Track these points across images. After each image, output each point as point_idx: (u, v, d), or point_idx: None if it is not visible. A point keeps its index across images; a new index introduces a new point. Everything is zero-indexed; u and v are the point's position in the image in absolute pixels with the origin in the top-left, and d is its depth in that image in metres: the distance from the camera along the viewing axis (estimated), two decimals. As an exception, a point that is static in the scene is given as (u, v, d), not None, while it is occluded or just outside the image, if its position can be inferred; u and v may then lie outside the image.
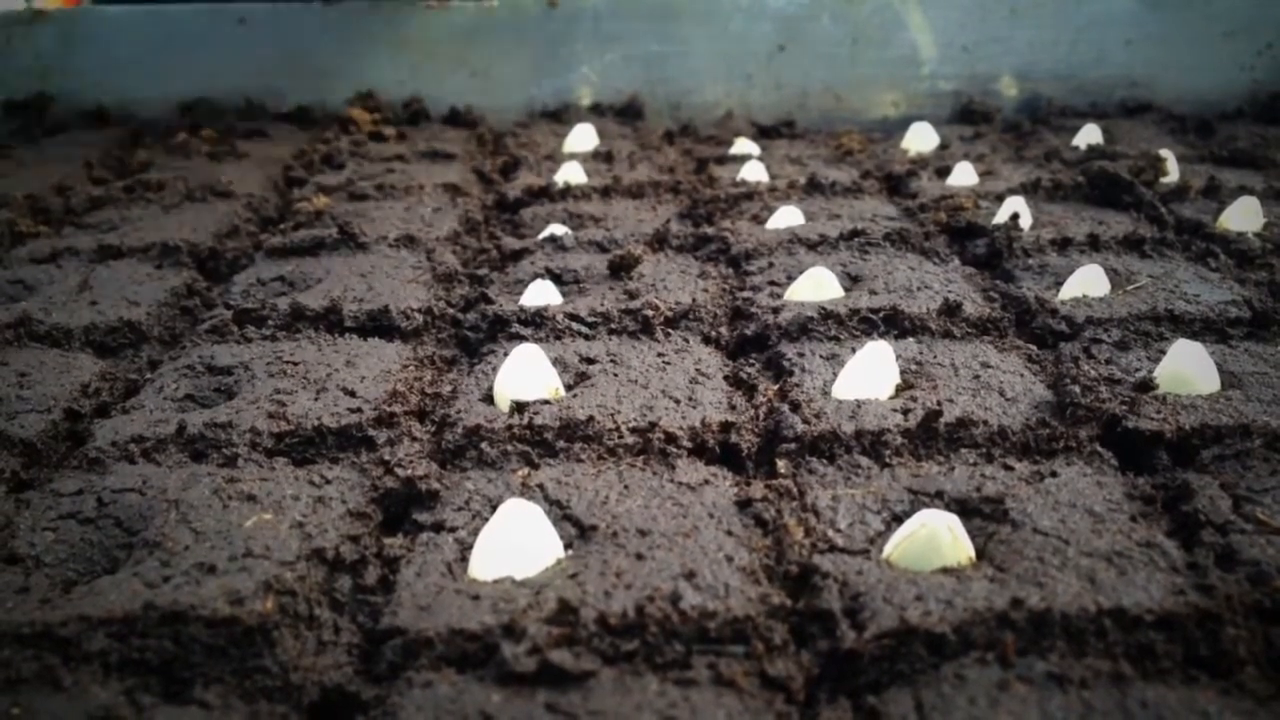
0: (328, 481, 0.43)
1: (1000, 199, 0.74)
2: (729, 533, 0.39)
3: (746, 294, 0.61)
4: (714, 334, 0.56)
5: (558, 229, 0.70)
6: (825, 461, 0.44)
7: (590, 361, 0.52)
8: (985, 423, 0.45)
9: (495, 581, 0.36)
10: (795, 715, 0.32)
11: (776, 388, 0.50)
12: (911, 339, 0.54)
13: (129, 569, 0.37)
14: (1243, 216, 0.69)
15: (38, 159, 0.91)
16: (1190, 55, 1.06)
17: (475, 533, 0.39)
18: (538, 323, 0.56)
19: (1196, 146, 0.93)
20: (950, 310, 0.56)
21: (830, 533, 0.39)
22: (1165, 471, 0.43)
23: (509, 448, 0.45)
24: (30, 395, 0.49)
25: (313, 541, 0.38)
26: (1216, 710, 0.31)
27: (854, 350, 0.51)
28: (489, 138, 1.00)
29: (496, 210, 0.80)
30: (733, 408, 0.48)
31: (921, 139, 0.95)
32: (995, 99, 1.07)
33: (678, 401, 0.48)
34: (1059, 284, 0.60)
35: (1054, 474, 0.42)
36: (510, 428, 0.45)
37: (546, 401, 0.48)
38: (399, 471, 0.43)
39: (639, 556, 0.37)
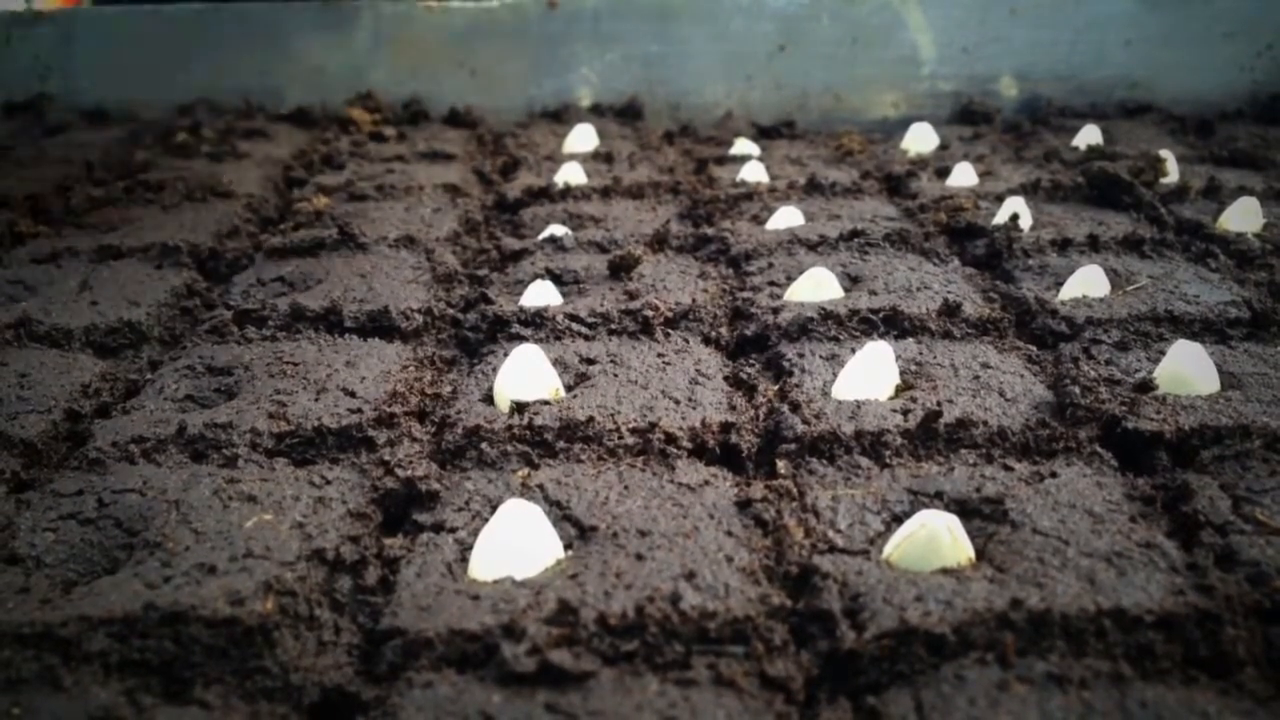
0: (328, 482, 0.43)
1: (1000, 199, 0.74)
2: (729, 533, 0.39)
3: (746, 294, 0.61)
4: (714, 334, 0.56)
5: (558, 229, 0.70)
6: (825, 462, 0.44)
7: (590, 362, 0.52)
8: (985, 423, 0.45)
9: (495, 582, 0.36)
10: (795, 715, 0.32)
11: (776, 388, 0.50)
12: (911, 339, 0.54)
13: (129, 569, 0.37)
14: (1242, 217, 0.70)
15: (38, 159, 0.91)
16: (1190, 56, 1.06)
17: (475, 533, 0.39)
18: (538, 323, 0.56)
19: (1196, 147, 0.93)
20: (950, 311, 0.56)
21: (830, 533, 0.39)
22: (1165, 472, 0.43)
23: (509, 448, 0.45)
24: (30, 396, 0.49)
25: (313, 542, 0.38)
26: (1216, 711, 0.31)
27: (854, 351, 0.51)
28: (489, 138, 1.00)
29: (496, 211, 0.80)
30: (733, 408, 0.48)
31: (921, 139, 0.95)
32: (995, 99, 1.07)
33: (678, 402, 0.48)
34: (1059, 284, 0.60)
35: (1054, 474, 0.42)
36: (510, 428, 0.45)
37: (546, 402, 0.48)
38: (399, 472, 0.43)
39: (639, 557, 0.37)
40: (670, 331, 0.56)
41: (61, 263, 0.66)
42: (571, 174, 0.82)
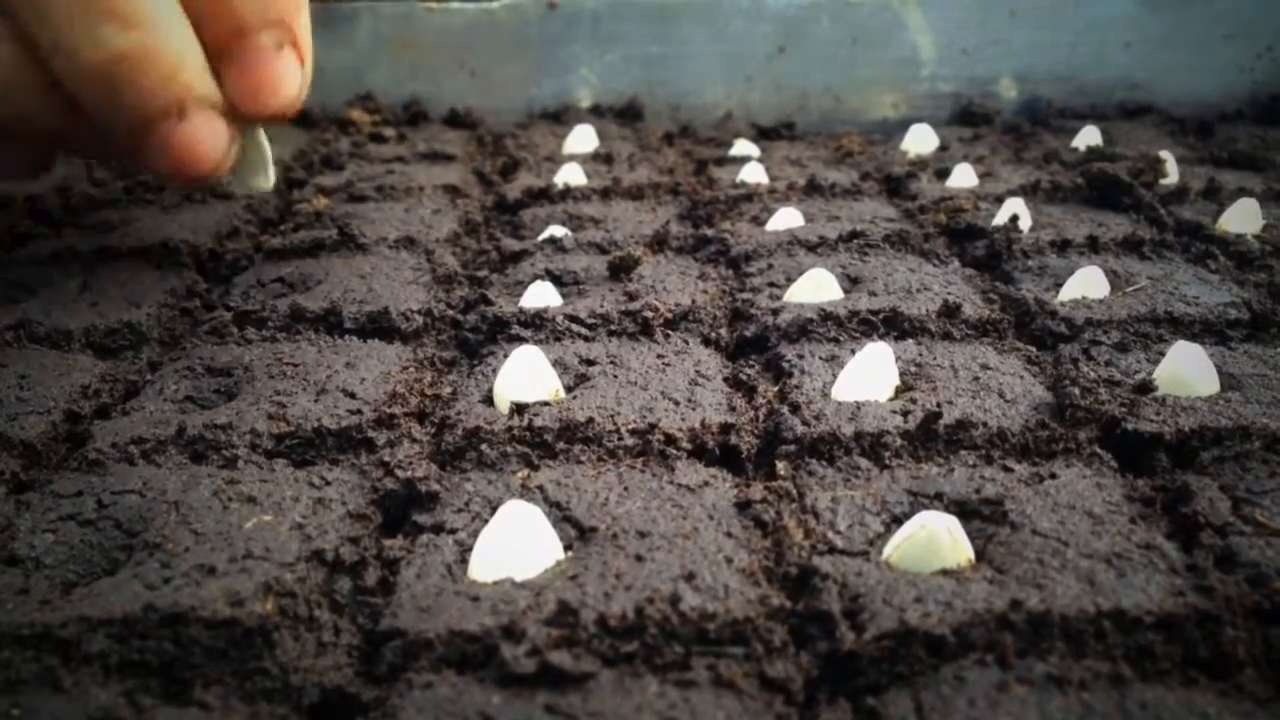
0: (328, 483, 0.43)
1: (1000, 200, 0.74)
2: (728, 534, 0.39)
3: (746, 295, 0.61)
4: (714, 335, 0.56)
5: (557, 230, 0.70)
6: (825, 463, 0.44)
7: (590, 363, 0.52)
8: (985, 424, 0.45)
9: (495, 583, 0.36)
10: (795, 716, 0.32)
11: (776, 389, 0.50)
12: (911, 340, 0.54)
13: (129, 570, 0.37)
14: (1242, 218, 0.70)
15: (38, 160, 0.91)
16: (1190, 57, 1.06)
17: (475, 534, 0.39)
18: (537, 324, 0.56)
19: (1196, 148, 0.94)
20: (950, 312, 0.56)
21: (830, 534, 0.39)
22: (1164, 473, 0.43)
23: (509, 449, 0.45)
24: (30, 397, 0.49)
25: (313, 543, 0.38)
26: (1215, 711, 0.31)
27: (853, 352, 0.51)
28: (489, 139, 1.01)
29: (496, 211, 0.80)
30: (732, 409, 0.48)
31: (921, 140, 0.95)
32: (995, 101, 1.07)
33: (677, 403, 0.48)
34: (1058, 286, 0.60)
35: (1053, 476, 0.42)
36: (510, 429, 0.45)
37: (546, 403, 0.48)
38: (399, 473, 0.43)
39: (639, 558, 0.37)
40: (670, 332, 0.56)
41: (61, 264, 0.66)
42: (571, 175, 0.82)
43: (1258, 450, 0.43)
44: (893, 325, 0.55)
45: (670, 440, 0.45)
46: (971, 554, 0.38)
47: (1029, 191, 0.78)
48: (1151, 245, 0.65)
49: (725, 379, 0.52)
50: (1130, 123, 1.02)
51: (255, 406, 0.48)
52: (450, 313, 0.59)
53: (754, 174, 0.84)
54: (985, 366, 0.51)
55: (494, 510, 0.39)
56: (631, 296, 0.59)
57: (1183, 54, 1.06)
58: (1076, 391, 0.48)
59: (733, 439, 0.46)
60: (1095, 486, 0.42)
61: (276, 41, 0.58)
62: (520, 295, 0.60)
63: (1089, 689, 0.32)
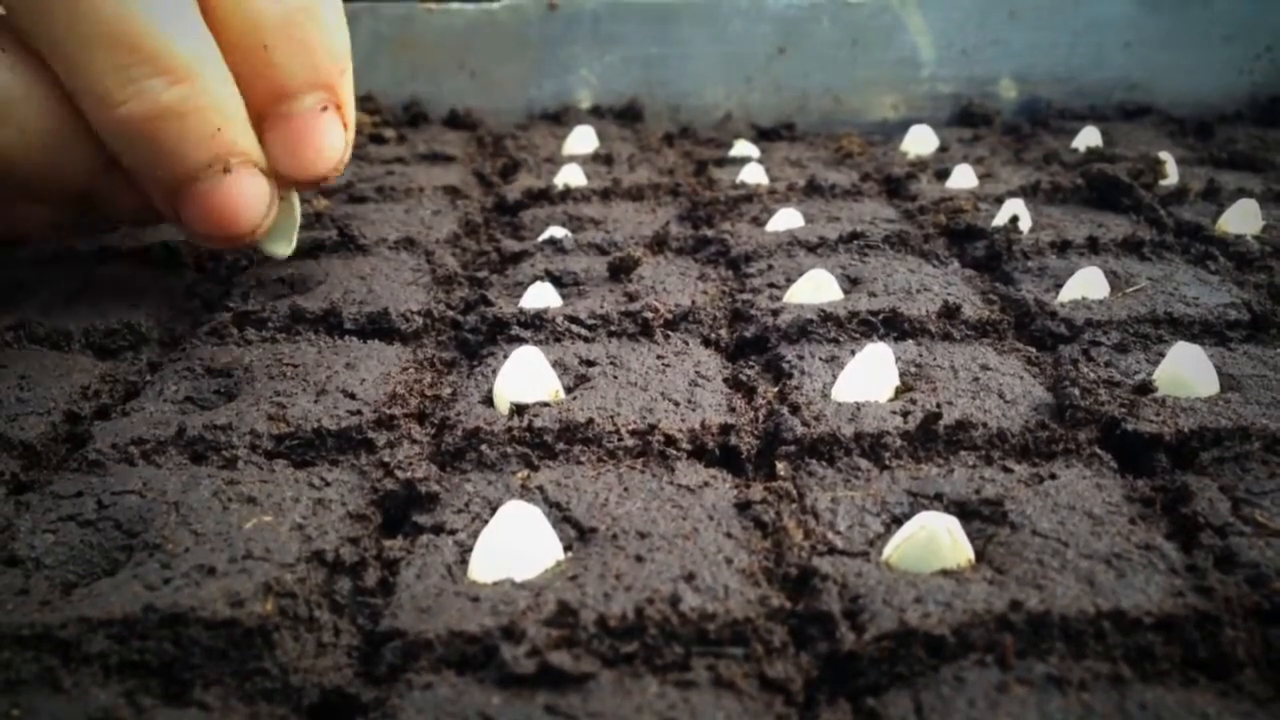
0: (327, 484, 0.43)
1: (999, 201, 0.74)
2: (728, 535, 0.39)
3: (746, 296, 0.61)
4: (713, 336, 0.56)
5: (557, 231, 0.70)
6: (825, 464, 0.44)
7: (590, 364, 0.52)
8: (984, 425, 0.45)
9: (495, 583, 0.36)
10: (795, 717, 0.32)
11: (776, 390, 0.50)
12: (911, 341, 0.54)
13: (129, 571, 0.37)
14: (1242, 219, 0.70)
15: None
16: (1189, 58, 1.06)
17: (475, 535, 0.39)
18: (537, 325, 0.56)
19: (1195, 149, 0.94)
20: (949, 312, 0.56)
21: (830, 535, 0.39)
22: (1164, 474, 0.43)
23: (509, 450, 0.45)
24: (30, 397, 0.49)
25: (313, 543, 0.38)
26: (1215, 712, 0.31)
27: (853, 352, 0.51)
28: (488, 140, 1.01)
29: (496, 212, 0.80)
30: (732, 410, 0.48)
31: (921, 141, 0.95)
32: (994, 101, 1.07)
33: (677, 404, 0.48)
34: (1058, 286, 0.60)
35: (1053, 476, 0.42)
36: (510, 430, 0.45)
37: (546, 404, 0.48)
38: (399, 474, 0.43)
39: (638, 558, 0.37)
40: (670, 333, 0.56)
41: (61, 263, 0.66)
42: (571, 176, 0.82)
43: (1257, 451, 0.43)
44: (893, 326, 0.55)
45: (670, 441, 0.45)
46: (971, 554, 0.38)
47: (1029, 192, 0.78)
48: (1151, 246, 0.65)
49: (725, 380, 0.52)
50: (1130, 123, 1.02)
51: (255, 407, 0.48)
52: (450, 313, 0.59)
53: (754, 175, 0.84)
54: (985, 367, 0.51)
55: (494, 511, 0.39)
56: (631, 297, 0.59)
57: (1182, 55, 1.06)
58: (1076, 392, 0.48)
59: (733, 440, 0.46)
60: (1095, 487, 0.42)
61: (320, 104, 0.57)
62: (520, 296, 0.60)
63: (1089, 689, 0.32)
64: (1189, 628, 0.34)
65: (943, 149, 0.95)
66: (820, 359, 0.52)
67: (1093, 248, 0.65)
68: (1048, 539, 0.38)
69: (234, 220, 0.56)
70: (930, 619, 0.34)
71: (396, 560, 0.39)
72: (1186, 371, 0.48)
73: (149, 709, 0.32)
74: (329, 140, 0.58)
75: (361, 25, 1.04)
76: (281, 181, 0.58)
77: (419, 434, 0.47)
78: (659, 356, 0.53)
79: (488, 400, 0.49)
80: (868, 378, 0.49)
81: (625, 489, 0.42)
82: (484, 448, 0.45)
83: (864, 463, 0.44)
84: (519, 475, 0.43)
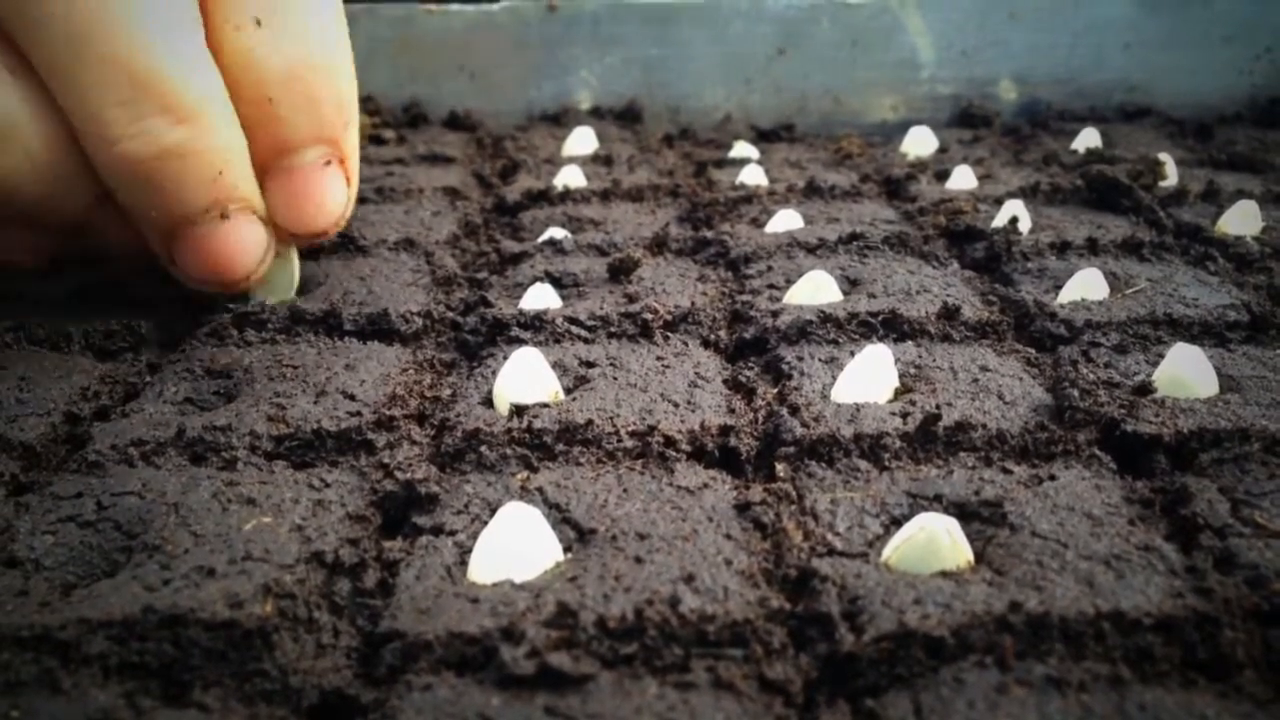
0: (327, 485, 0.43)
1: (999, 202, 0.74)
2: (728, 536, 0.39)
3: (745, 297, 0.61)
4: (713, 337, 0.56)
5: (557, 232, 0.70)
6: (824, 465, 0.44)
7: (589, 365, 0.52)
8: (984, 426, 0.45)
9: (494, 585, 0.36)
10: (794, 718, 0.32)
11: (775, 391, 0.50)
12: (910, 342, 0.54)
13: (128, 572, 0.37)
14: (1241, 220, 0.70)
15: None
16: (1189, 59, 1.06)
17: (474, 536, 0.39)
18: (537, 326, 0.56)
19: (1195, 150, 0.94)
20: (949, 314, 0.56)
21: (829, 536, 0.39)
22: (1164, 475, 0.43)
23: (508, 451, 0.45)
24: (30, 398, 0.49)
25: (312, 545, 0.38)
26: (1215, 713, 0.31)
27: (853, 353, 0.51)
28: (488, 141, 1.01)
29: (496, 213, 0.80)
30: (732, 411, 0.48)
31: (920, 142, 0.95)
32: (994, 103, 1.07)
33: (677, 405, 0.48)
34: (1058, 287, 0.60)
35: (1052, 477, 0.42)
36: (509, 431, 0.45)
37: (546, 405, 0.48)
38: (398, 475, 0.43)
39: (638, 560, 0.37)
40: (669, 334, 0.56)
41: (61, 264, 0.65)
42: (571, 177, 0.82)
43: (1257, 452, 0.43)
44: (892, 327, 0.55)
45: (669, 442, 0.45)
46: (971, 556, 0.38)
47: (1028, 193, 0.78)
48: (1151, 247, 0.65)
49: (725, 381, 0.52)
50: (1129, 125, 1.02)
51: (255, 408, 0.48)
52: (450, 314, 0.59)
53: (753, 176, 0.84)
54: (984, 368, 0.51)
55: (493, 512, 0.39)
56: (631, 298, 0.59)
57: (1182, 56, 1.06)
58: (1076, 393, 0.48)
59: (732, 441, 0.46)
60: (1094, 488, 0.42)
61: (324, 159, 0.57)
62: (520, 297, 0.60)
63: (1088, 691, 0.32)
64: (1188, 629, 0.34)
65: (942, 150, 0.95)
66: (820, 360, 0.52)
67: (1092, 249, 0.65)
68: (1047, 540, 0.38)
69: (228, 267, 0.55)
70: (929, 620, 0.34)
71: (396, 561, 0.39)
72: (1186, 373, 0.48)
73: (148, 710, 0.32)
74: (330, 195, 0.58)
75: (361, 27, 1.03)
76: (280, 234, 0.58)
77: (419, 435, 0.47)
78: (658, 358, 0.53)
79: (487, 401, 0.49)
80: (867, 379, 0.49)
81: (625, 490, 0.42)
82: (483, 449, 0.45)
83: (863, 464, 0.44)
84: (518, 476, 0.43)
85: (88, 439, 0.46)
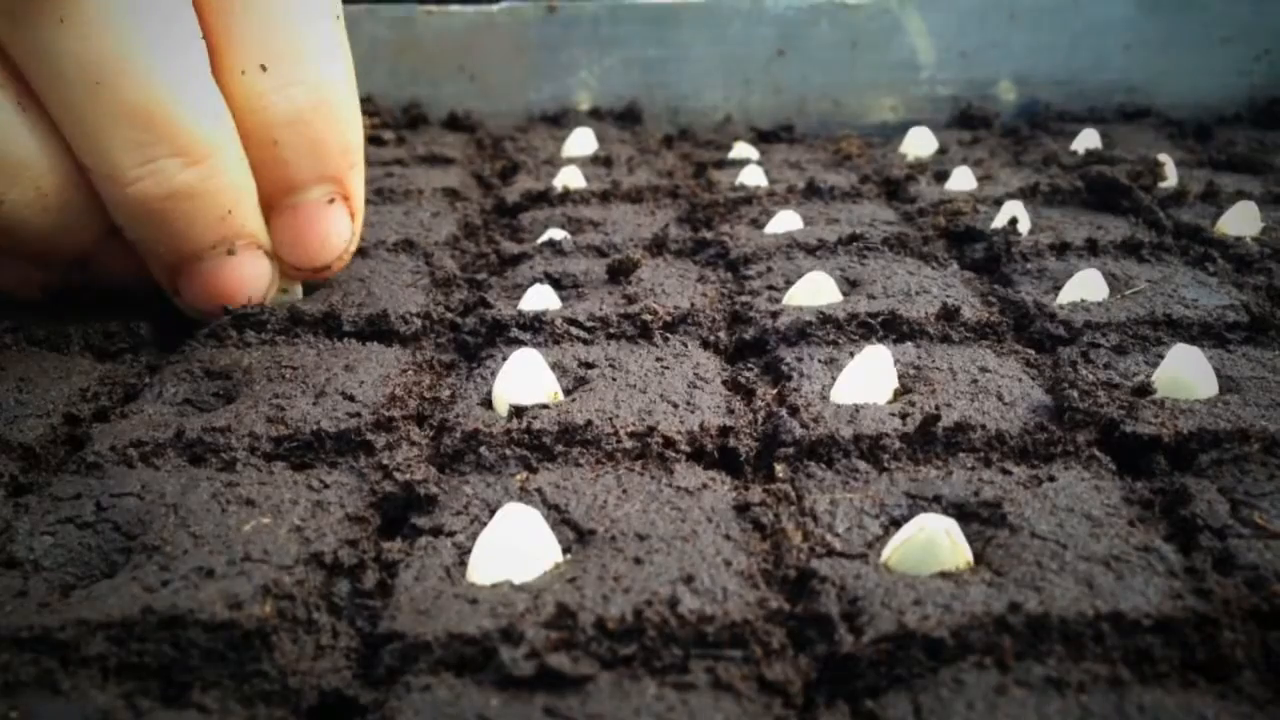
0: (326, 486, 0.43)
1: (999, 203, 0.74)
2: (727, 537, 0.39)
3: (745, 298, 0.61)
4: (712, 338, 0.56)
5: (556, 233, 0.70)
6: (823, 466, 0.44)
7: (589, 366, 0.52)
8: (983, 427, 0.45)
9: (493, 585, 0.36)
10: (793, 719, 0.32)
11: (775, 392, 0.50)
12: (910, 343, 0.54)
13: (127, 573, 0.37)
14: (1241, 221, 0.70)
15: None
16: (1188, 60, 1.06)
17: (474, 537, 0.39)
18: (536, 327, 0.56)
19: (1195, 151, 0.94)
20: (948, 314, 0.56)
21: (828, 537, 0.39)
22: (1163, 476, 0.43)
23: (507, 452, 0.45)
24: (29, 399, 0.49)
25: (311, 546, 0.38)
26: (1214, 714, 0.31)
27: (852, 354, 0.51)
28: (488, 142, 1.01)
29: (495, 214, 0.80)
30: (731, 412, 0.48)
31: (920, 143, 0.95)
32: (994, 104, 1.07)
33: (676, 406, 0.48)
34: (1057, 288, 0.60)
35: (1052, 478, 0.42)
36: (509, 432, 0.45)
37: (545, 406, 0.48)
38: (397, 476, 0.43)
39: (637, 560, 0.37)
40: (669, 335, 0.56)
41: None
42: (570, 178, 0.82)
43: (1256, 453, 0.43)
44: (891, 328, 0.55)
45: (669, 443, 0.45)
46: (970, 556, 0.38)
47: (1028, 194, 0.78)
48: (1150, 248, 0.65)
49: (724, 382, 0.52)
50: (1129, 126, 1.02)
51: (254, 409, 0.48)
52: (449, 315, 0.59)
53: (753, 177, 0.84)
54: (984, 369, 0.51)
55: (492, 513, 0.39)
56: (630, 299, 0.59)
57: (1181, 57, 1.06)
58: (1075, 394, 0.48)
59: (731, 442, 0.46)
60: (1094, 489, 0.42)
61: (327, 196, 0.57)
62: (519, 298, 0.60)
63: (1087, 692, 0.32)
64: (1188, 630, 0.34)
65: (942, 151, 0.95)
66: (819, 361, 0.52)
67: (1092, 250, 0.65)
68: (1046, 541, 0.38)
69: (233, 300, 0.56)
70: (929, 621, 0.34)
71: (395, 562, 0.39)
72: (1185, 373, 0.48)
73: (147, 711, 0.32)
74: (334, 231, 0.58)
75: (361, 28, 1.04)
76: (285, 269, 0.58)
77: (418, 436, 0.47)
78: (658, 359, 0.53)
79: (486, 402, 0.49)
80: (866, 380, 0.49)
81: (624, 491, 0.42)
82: (483, 450, 0.45)
83: (863, 465, 0.44)
84: (518, 477, 0.43)
85: (87, 440, 0.46)
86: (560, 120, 1.06)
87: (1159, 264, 0.64)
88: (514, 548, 0.37)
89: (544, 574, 0.37)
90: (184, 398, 0.51)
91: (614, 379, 0.51)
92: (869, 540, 0.39)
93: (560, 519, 0.40)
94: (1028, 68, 1.07)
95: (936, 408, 0.47)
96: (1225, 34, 1.06)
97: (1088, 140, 0.93)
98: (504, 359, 0.50)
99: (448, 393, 0.52)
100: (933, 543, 0.37)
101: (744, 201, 0.78)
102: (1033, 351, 0.54)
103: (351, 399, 0.49)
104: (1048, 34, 1.06)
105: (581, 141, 0.95)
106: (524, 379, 0.48)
